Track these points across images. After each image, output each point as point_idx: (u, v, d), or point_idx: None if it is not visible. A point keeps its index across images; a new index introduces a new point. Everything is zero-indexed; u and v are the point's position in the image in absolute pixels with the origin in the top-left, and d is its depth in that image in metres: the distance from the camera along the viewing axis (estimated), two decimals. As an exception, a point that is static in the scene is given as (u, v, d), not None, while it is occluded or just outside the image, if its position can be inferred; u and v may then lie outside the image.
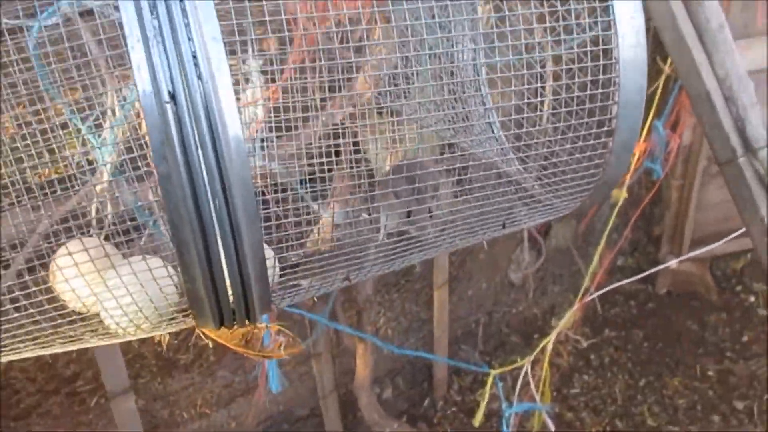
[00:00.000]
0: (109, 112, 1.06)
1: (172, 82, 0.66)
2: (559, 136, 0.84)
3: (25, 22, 0.95)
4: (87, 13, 0.98)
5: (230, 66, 0.67)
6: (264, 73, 1.18)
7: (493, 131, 1.13)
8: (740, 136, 1.31)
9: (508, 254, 2.63)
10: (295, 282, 0.98)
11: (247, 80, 1.18)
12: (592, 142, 0.86)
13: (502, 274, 2.63)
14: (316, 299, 1.84)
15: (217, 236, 0.71)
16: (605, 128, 0.85)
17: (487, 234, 0.96)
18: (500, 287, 2.66)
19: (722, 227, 2.31)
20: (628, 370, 2.85)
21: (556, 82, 0.83)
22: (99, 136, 1.03)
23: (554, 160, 0.87)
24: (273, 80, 1.19)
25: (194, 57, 0.66)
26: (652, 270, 2.48)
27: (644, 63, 0.82)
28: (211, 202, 0.69)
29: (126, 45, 0.65)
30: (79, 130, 1.02)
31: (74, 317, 0.89)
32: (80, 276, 0.82)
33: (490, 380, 2.16)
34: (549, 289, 2.80)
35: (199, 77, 0.66)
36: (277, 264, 0.94)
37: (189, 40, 0.66)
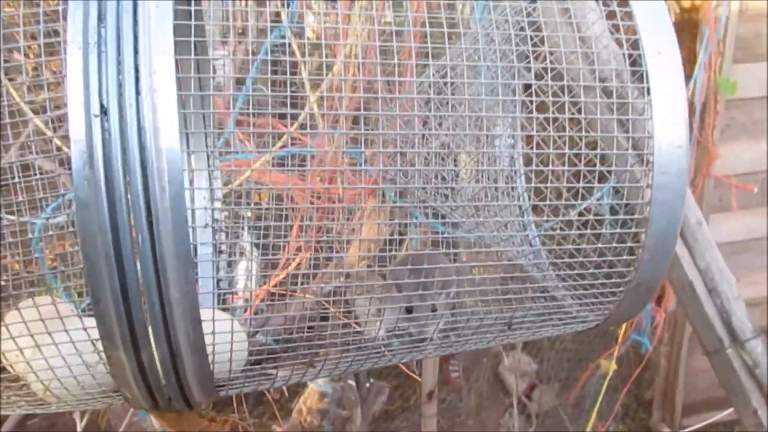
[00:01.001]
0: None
1: (107, 95, 0.58)
2: (575, 215, 0.70)
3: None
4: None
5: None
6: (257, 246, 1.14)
7: (525, 229, 0.99)
8: (726, 327, 1.35)
9: (497, 418, 2.47)
10: (266, 371, 0.84)
11: (242, 254, 1.14)
12: (619, 230, 0.71)
13: None
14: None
15: (140, 282, 0.60)
16: (636, 216, 0.70)
17: (494, 335, 0.81)
18: None
19: (713, 394, 2.30)
20: None
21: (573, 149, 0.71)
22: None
23: (568, 245, 0.72)
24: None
25: (137, 70, 0.58)
26: None
27: (684, 139, 0.68)
28: (135, 238, 0.59)
29: (65, 53, 0.58)
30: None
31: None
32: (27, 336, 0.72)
33: None
34: None
35: (138, 92, 0.58)
36: (244, 341, 0.81)
37: (135, 52, 0.59)
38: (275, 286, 1.13)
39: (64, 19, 0.60)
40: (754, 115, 2.03)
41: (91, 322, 0.63)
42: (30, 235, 0.92)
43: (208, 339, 0.65)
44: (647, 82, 0.68)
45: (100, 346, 0.63)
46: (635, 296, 0.76)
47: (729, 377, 1.37)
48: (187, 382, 0.68)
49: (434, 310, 0.88)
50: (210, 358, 0.67)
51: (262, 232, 1.14)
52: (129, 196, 0.58)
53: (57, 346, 0.65)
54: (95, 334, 0.62)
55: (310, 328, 1.00)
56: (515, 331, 0.78)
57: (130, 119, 0.57)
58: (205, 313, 0.64)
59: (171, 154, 0.58)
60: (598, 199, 0.72)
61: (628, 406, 2.87)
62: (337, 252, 1.14)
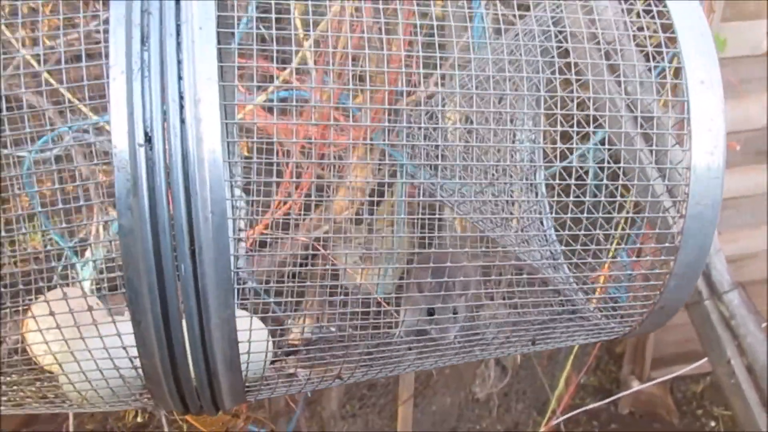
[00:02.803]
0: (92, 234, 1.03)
1: (152, 123, 0.57)
2: (609, 246, 0.71)
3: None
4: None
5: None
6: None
7: (544, 228, 1.00)
8: (705, 280, 1.35)
9: (473, 369, 2.54)
10: (290, 371, 0.86)
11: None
12: (650, 258, 0.71)
13: (467, 390, 2.53)
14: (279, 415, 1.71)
15: (180, 307, 0.61)
16: (667, 244, 0.71)
17: (517, 348, 0.82)
18: (464, 403, 2.56)
19: (682, 348, 2.39)
20: (591, 495, 2.71)
21: (613, 182, 0.71)
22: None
23: (598, 269, 0.73)
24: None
25: (181, 97, 0.57)
26: (618, 396, 2.56)
27: (720, 170, 0.68)
28: (178, 266, 0.59)
29: (107, 76, 0.57)
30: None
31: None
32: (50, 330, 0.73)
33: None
34: (513, 407, 2.69)
35: (183, 121, 0.57)
36: (269, 344, 0.82)
37: (179, 78, 0.58)
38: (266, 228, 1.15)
39: (105, 36, 0.59)
40: (740, 74, 2.01)
41: (128, 332, 0.64)
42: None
43: (242, 348, 0.66)
44: (688, 113, 0.68)
45: (137, 362, 0.64)
46: (659, 316, 0.77)
47: (705, 328, 1.39)
48: (221, 394, 0.69)
49: (455, 313, 0.89)
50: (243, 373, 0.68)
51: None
52: (173, 225, 0.58)
53: (94, 359, 0.66)
54: (134, 351, 0.63)
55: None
56: (538, 345, 0.79)
57: (175, 149, 0.57)
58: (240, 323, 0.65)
59: (215, 184, 0.57)
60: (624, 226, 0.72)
61: (600, 358, 2.95)
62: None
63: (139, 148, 0.56)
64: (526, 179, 1.02)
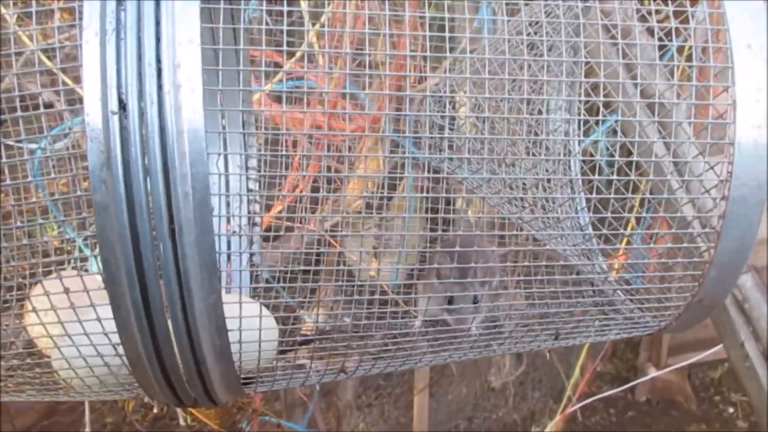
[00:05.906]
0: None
1: (126, 89, 0.52)
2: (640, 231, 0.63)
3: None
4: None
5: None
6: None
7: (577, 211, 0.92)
8: None
9: (489, 358, 2.51)
10: (298, 361, 0.81)
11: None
12: (686, 245, 0.64)
13: (482, 379, 2.47)
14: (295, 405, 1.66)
15: (162, 291, 0.56)
16: (707, 230, 0.63)
17: (538, 343, 0.75)
18: (480, 392, 2.55)
19: (700, 334, 2.28)
20: (607, 482, 2.71)
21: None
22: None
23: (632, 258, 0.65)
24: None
25: (158, 61, 0.52)
26: (635, 383, 2.49)
27: (766, 149, 0.60)
28: (157, 247, 0.54)
29: (80, 38, 0.52)
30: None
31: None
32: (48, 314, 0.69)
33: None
34: (529, 395, 2.65)
35: (160, 87, 0.52)
36: (274, 332, 0.77)
37: (158, 40, 0.53)
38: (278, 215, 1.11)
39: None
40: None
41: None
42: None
43: (234, 335, 0.61)
44: (732, 81, 0.60)
45: (121, 350, 0.60)
46: (697, 311, 0.69)
47: (719, 312, 1.35)
48: (213, 386, 0.64)
49: (476, 302, 0.83)
50: (236, 358, 0.63)
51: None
52: (150, 202, 0.53)
53: (78, 348, 0.62)
54: (117, 338, 0.59)
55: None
56: (563, 340, 0.73)
57: (151, 118, 0.52)
58: (231, 309, 0.60)
59: (195, 157, 0.52)
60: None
61: (616, 346, 2.92)
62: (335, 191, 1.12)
63: (112, 116, 0.51)
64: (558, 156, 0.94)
